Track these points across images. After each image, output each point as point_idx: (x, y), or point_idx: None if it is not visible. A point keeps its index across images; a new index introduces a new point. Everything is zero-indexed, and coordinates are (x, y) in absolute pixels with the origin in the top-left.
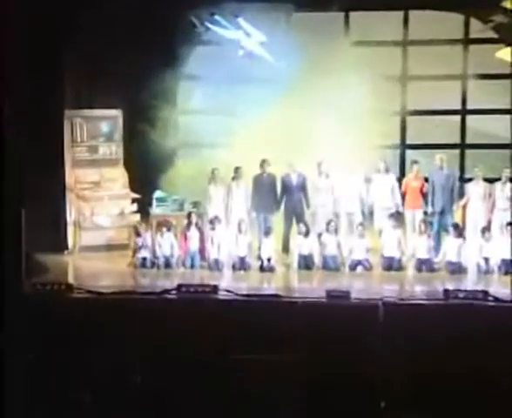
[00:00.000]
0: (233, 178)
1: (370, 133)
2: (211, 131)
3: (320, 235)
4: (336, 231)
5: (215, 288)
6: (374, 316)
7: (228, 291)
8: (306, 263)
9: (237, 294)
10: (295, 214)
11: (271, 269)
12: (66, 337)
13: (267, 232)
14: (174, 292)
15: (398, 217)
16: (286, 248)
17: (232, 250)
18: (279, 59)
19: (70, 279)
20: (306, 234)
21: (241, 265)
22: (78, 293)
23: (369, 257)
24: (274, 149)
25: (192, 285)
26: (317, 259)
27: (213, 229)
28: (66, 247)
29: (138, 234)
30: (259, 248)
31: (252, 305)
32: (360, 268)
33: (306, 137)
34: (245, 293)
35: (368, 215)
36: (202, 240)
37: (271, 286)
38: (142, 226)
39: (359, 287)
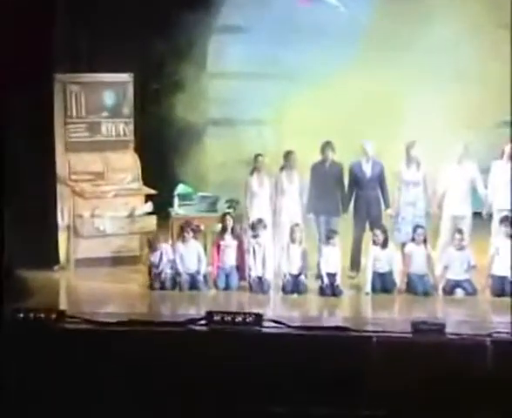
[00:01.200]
0: (283, 168)
1: (478, 105)
2: (252, 103)
3: (403, 246)
4: (426, 240)
5: (258, 318)
6: (480, 357)
7: (276, 321)
8: (383, 284)
9: (288, 326)
10: (369, 217)
11: (335, 292)
12: (58, 381)
13: (331, 242)
14: (203, 322)
15: None
16: (355, 263)
17: (283, 265)
18: (349, 3)
19: (63, 304)
20: (384, 244)
21: (294, 286)
22: (74, 322)
23: (472, 277)
24: (341, 127)
25: (227, 312)
26: (399, 279)
27: (256, 237)
28: (57, 261)
29: (153, 249)
30: (319, 263)
31: (308, 340)
32: (459, 292)
33: (387, 110)
34: (299, 324)
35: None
36: (241, 252)
37: (335, 315)
38: (158, 238)
39: (457, 318)
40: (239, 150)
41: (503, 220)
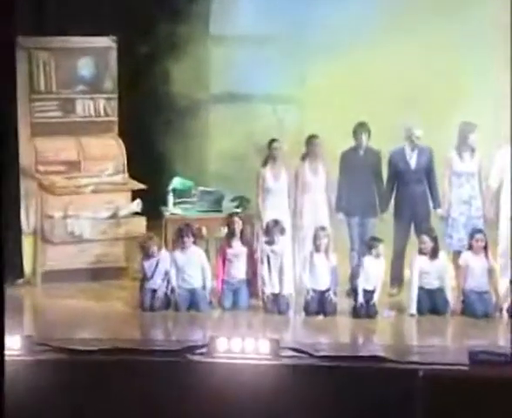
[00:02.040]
0: (306, 157)
1: None
2: (267, 75)
3: (457, 254)
4: (486, 248)
5: (274, 345)
6: None
7: (297, 350)
8: (432, 303)
9: (312, 356)
10: (414, 218)
11: (370, 313)
12: None
13: (373, 252)
14: (204, 350)
15: None
16: (397, 278)
17: (305, 279)
18: None
19: (28, 329)
20: (434, 254)
21: (320, 305)
22: (43, 351)
23: None
24: (378, 106)
25: (236, 338)
26: (452, 297)
27: (272, 243)
28: (21, 274)
29: (147, 255)
30: (352, 277)
31: (338, 374)
32: None
33: (433, 85)
34: (326, 353)
35: None
36: (252, 263)
37: (372, 341)
38: (154, 241)
39: None
40: (249, 134)
41: None
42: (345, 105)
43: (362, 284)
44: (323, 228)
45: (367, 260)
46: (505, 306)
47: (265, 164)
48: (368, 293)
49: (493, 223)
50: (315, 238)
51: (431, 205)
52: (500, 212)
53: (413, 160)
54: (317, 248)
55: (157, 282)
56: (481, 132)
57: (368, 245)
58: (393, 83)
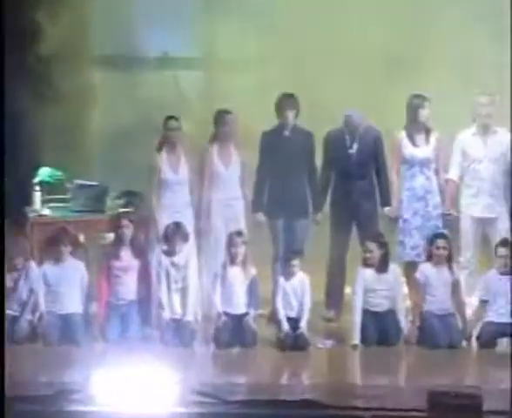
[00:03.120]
0: (214, 139)
1: None
2: (163, 32)
3: (411, 266)
4: (451, 258)
5: (177, 388)
6: None
7: (206, 394)
8: (380, 330)
9: (226, 402)
10: (357, 220)
11: (299, 343)
12: None
13: (290, 270)
14: (81, 396)
15: None
16: (335, 297)
17: (216, 300)
18: None
19: None
20: (383, 266)
21: (235, 334)
22: None
23: None
24: (313, 73)
25: (123, 380)
26: (406, 323)
27: (171, 253)
28: None
29: (11, 267)
30: (275, 297)
31: None
32: (504, 342)
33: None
34: (242, 397)
35: None
36: (146, 279)
37: (301, 381)
38: (18, 249)
39: (502, 386)
40: (141, 108)
41: None
42: (271, 73)
43: (283, 309)
44: (239, 233)
45: (282, 281)
46: (474, 332)
47: (159, 149)
48: (292, 321)
49: (453, 226)
50: (229, 246)
51: (379, 202)
52: (461, 212)
53: (355, 144)
54: (231, 260)
55: (19, 305)
56: (445, 110)
57: (285, 258)
58: (333, 43)
